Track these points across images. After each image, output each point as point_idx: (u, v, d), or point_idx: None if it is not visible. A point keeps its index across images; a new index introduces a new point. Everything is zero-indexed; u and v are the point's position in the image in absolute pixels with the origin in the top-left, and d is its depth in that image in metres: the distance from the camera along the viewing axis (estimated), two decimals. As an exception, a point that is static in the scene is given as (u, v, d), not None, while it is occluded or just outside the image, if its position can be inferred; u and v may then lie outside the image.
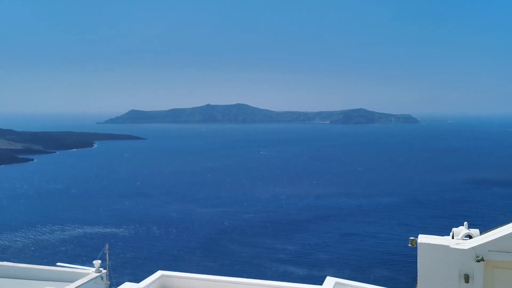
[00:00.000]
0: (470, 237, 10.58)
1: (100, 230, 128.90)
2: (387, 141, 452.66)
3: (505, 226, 10.17)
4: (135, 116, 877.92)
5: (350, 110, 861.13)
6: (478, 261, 9.60)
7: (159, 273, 16.17)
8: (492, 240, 9.64)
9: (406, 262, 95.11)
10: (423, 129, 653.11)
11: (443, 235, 10.99)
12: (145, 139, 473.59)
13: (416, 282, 10.42)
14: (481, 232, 10.76)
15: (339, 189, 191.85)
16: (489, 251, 9.61)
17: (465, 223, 11.13)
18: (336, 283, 11.14)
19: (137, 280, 16.20)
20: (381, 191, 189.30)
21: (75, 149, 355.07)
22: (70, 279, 16.82)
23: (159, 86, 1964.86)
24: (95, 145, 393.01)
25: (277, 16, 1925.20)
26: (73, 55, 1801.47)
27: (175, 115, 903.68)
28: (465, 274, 9.79)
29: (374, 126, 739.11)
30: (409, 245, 10.80)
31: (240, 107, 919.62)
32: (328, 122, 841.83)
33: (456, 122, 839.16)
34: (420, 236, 10.70)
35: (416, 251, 10.40)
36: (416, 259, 10.34)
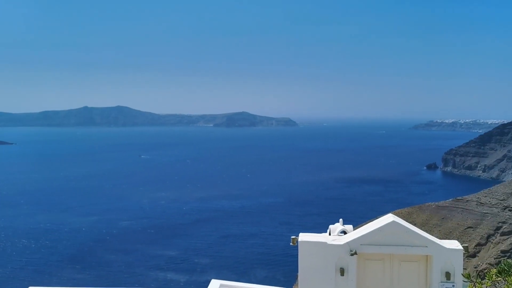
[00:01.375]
0: (345, 232, 11.26)
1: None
2: (268, 143, 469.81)
3: (374, 221, 11.04)
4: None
5: (233, 114, 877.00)
6: (352, 254, 10.26)
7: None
8: (363, 235, 10.40)
9: (288, 260, 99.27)
10: (301, 132, 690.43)
11: (321, 232, 11.56)
12: (12, 143, 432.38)
13: (297, 278, 10.87)
14: (354, 228, 11.56)
15: (222, 192, 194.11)
16: (361, 245, 10.33)
17: (340, 219, 11.83)
18: (221, 285, 11.08)
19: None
20: (263, 192, 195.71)
21: None
22: None
23: (28, 87, 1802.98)
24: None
25: (157, 13, 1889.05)
26: None
27: (47, 117, 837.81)
28: (340, 268, 10.40)
29: (256, 129, 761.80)
30: (291, 243, 11.15)
31: (120, 110, 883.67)
32: (211, 125, 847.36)
33: (331, 125, 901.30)
34: (300, 234, 11.11)
35: (297, 249, 10.80)
36: (297, 257, 10.75)
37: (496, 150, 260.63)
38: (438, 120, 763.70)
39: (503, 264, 4.75)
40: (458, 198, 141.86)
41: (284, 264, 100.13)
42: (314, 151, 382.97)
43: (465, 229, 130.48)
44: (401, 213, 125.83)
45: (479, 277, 4.97)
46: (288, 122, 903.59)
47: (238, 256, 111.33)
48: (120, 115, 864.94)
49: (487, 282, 4.75)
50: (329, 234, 11.30)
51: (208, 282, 12.03)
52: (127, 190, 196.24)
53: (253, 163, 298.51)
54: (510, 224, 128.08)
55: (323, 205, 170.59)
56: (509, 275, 4.61)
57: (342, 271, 10.34)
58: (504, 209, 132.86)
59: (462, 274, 5.03)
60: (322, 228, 11.79)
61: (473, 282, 4.77)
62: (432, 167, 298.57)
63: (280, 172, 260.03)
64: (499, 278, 4.69)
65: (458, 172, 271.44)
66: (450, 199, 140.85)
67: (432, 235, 11.37)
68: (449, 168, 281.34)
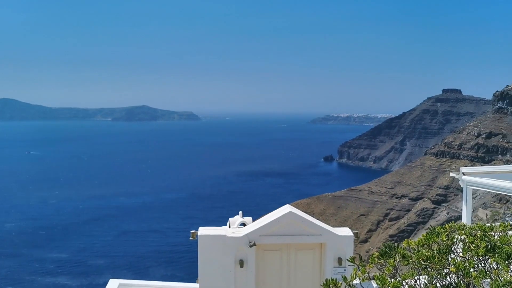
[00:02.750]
0: (244, 225, 11.44)
1: None
2: (170, 138, 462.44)
3: (272, 212, 11.35)
4: None
5: (133, 107, 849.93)
6: (250, 246, 10.45)
7: None
8: (261, 226, 10.65)
9: (190, 255, 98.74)
10: (204, 126, 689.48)
11: (224, 225, 11.62)
12: None
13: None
14: (254, 220, 11.79)
15: (122, 188, 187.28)
16: (260, 236, 10.56)
17: (240, 212, 12.00)
18: (120, 285, 10.66)
19: None
20: (165, 188, 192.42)
21: None
22: None
23: None
24: None
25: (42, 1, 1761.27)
26: None
27: None
28: (240, 260, 10.55)
29: (157, 123, 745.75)
30: (190, 238, 11.07)
31: (6, 102, 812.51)
32: (110, 119, 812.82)
33: (235, 119, 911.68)
34: (200, 228, 11.08)
35: (197, 243, 10.75)
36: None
37: (385, 142, 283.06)
38: (334, 115, 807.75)
39: (384, 247, 5.13)
40: (352, 188, 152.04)
41: (186, 260, 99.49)
42: (216, 146, 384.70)
43: (358, 216, 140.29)
44: (301, 204, 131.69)
45: (368, 261, 5.33)
46: (190, 116, 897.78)
47: (138, 254, 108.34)
48: (6, 108, 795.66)
49: (370, 265, 5.09)
50: (229, 227, 11.41)
51: (105, 284, 11.49)
52: (12, 190, 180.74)
53: (154, 158, 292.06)
54: (397, 210, 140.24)
55: (226, 198, 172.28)
56: (390, 257, 4.97)
57: (241, 263, 10.50)
58: (392, 196, 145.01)
59: (347, 259, 5.32)
60: (225, 221, 11.86)
61: (356, 265, 5.07)
62: (328, 159, 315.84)
63: (182, 167, 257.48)
64: (381, 261, 5.04)
65: (352, 164, 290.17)
66: (345, 189, 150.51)
67: (329, 224, 12.01)
68: (344, 160, 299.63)
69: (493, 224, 5.85)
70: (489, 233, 5.63)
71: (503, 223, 5.81)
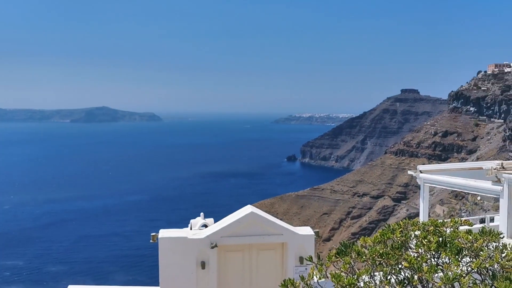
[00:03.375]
0: (206, 226, 11.39)
1: None
2: (131, 139, 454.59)
3: (234, 213, 11.36)
4: None
5: (93, 108, 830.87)
6: (212, 247, 10.42)
7: None
8: (223, 227, 10.64)
9: (153, 259, 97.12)
10: (166, 127, 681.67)
11: (184, 228, 11.54)
12: None
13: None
14: (216, 221, 11.77)
15: (82, 191, 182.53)
16: (221, 237, 10.55)
17: (202, 213, 11.95)
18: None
19: None
20: (127, 190, 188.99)
21: None
22: None
23: None
24: None
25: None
26: None
27: None
28: (201, 261, 10.50)
29: (118, 125, 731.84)
30: (151, 241, 10.95)
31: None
32: (68, 120, 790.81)
33: (198, 120, 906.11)
34: (161, 231, 10.96)
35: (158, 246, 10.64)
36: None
37: (347, 141, 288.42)
38: (297, 115, 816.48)
39: (340, 245, 5.24)
40: (315, 187, 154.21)
41: (148, 263, 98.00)
42: (179, 147, 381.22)
43: (321, 215, 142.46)
44: (264, 204, 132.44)
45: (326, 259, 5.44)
46: (152, 117, 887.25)
47: (98, 259, 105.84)
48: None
49: (327, 263, 5.19)
50: (190, 229, 11.34)
51: (64, 290, 11.17)
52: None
53: (116, 160, 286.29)
54: (359, 208, 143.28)
55: (189, 200, 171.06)
56: (346, 255, 5.09)
57: (203, 265, 10.46)
58: (354, 195, 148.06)
59: (305, 258, 5.41)
60: (187, 223, 11.77)
61: (314, 264, 5.16)
62: (292, 158, 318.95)
63: (144, 169, 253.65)
64: (337, 259, 5.15)
65: (314, 163, 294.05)
66: (308, 188, 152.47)
67: (292, 223, 12.15)
68: (306, 159, 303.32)
69: (445, 220, 6.08)
70: (441, 228, 5.85)
71: (454, 218, 6.05)
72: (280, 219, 11.66)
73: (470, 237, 5.33)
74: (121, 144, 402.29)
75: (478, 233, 5.47)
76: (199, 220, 11.61)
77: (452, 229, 5.83)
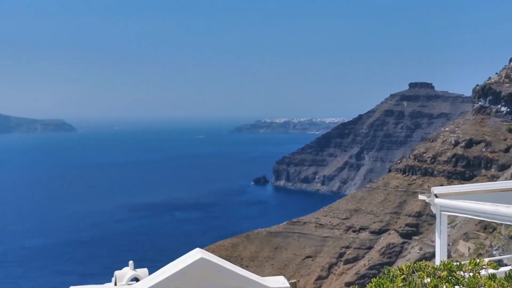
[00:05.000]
0: (137, 280, 11.33)
1: None
2: (29, 157, 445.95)
3: (177, 260, 11.34)
4: None
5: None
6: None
7: None
8: (161, 280, 10.58)
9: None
10: (81, 139, 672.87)
11: (107, 281, 11.44)
12: None
13: None
14: (151, 272, 11.70)
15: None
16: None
17: (130, 262, 11.85)
18: None
19: None
20: (24, 231, 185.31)
21: None
22: None
23: None
24: None
25: None
26: None
27: None
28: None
29: (10, 137, 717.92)
30: (58, 304, 10.83)
31: None
32: None
33: (127, 129, 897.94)
34: (71, 288, 10.84)
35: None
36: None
37: (336, 156, 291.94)
38: (267, 120, 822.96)
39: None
40: (293, 220, 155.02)
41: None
42: (100, 167, 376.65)
43: (303, 259, 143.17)
44: (224, 245, 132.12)
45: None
46: (61, 125, 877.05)
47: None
48: None
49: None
50: (115, 284, 11.25)
51: None
52: None
53: (5, 189, 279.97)
54: (354, 248, 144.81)
55: (113, 243, 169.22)
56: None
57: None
58: (348, 230, 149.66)
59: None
60: (110, 275, 11.69)
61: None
62: (261, 181, 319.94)
63: (49, 201, 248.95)
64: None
65: (292, 187, 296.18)
66: (285, 222, 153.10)
67: (263, 272, 12.15)
68: (282, 182, 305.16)
69: (462, 263, 6.25)
70: (457, 273, 6.03)
71: (474, 260, 6.24)
72: (246, 267, 11.76)
73: (495, 284, 5.51)
74: (14, 164, 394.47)
75: (504, 277, 5.67)
76: (127, 272, 11.53)
77: (471, 273, 6.01)
